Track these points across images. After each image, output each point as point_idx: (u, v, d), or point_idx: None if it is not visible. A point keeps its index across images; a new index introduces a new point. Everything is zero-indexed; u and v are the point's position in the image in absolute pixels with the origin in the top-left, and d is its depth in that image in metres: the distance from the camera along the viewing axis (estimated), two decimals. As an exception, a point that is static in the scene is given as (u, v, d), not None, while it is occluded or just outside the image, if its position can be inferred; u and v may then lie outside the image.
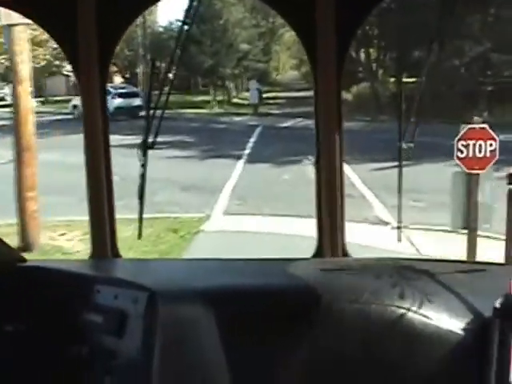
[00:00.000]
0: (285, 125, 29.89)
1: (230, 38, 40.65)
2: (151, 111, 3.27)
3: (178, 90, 36.43)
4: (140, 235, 3.48)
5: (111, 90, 32.59)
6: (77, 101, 33.42)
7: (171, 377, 2.46)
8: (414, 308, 2.41)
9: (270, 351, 2.45)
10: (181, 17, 4.03)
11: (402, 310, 2.41)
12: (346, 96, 35.39)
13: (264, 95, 41.93)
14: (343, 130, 3.26)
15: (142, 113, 32.44)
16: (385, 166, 16.34)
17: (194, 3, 3.20)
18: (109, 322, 2.68)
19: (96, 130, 3.32)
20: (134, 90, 36.14)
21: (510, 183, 7.19)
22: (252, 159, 20.01)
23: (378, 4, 3.32)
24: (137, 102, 33.18)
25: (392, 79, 33.14)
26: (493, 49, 27.86)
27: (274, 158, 19.72)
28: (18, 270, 3.03)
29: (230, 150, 21.90)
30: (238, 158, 20.14)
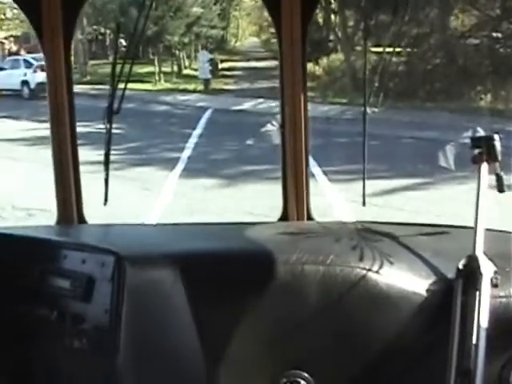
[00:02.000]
0: (242, 107, 23.92)
1: (178, 1, 34.53)
2: (116, 78, 3.30)
3: (124, 58, 32.48)
4: (106, 200, 3.44)
5: (33, 61, 28.03)
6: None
7: (139, 340, 2.56)
8: (376, 269, 2.52)
9: (236, 313, 2.51)
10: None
11: (365, 272, 2.51)
12: (315, 69, 29.99)
13: (220, 66, 37.17)
14: (307, 96, 3.36)
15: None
16: (392, 186, 10.82)
17: None
18: (77, 287, 2.70)
19: (61, 96, 3.40)
20: (62, 61, 29.98)
21: None
22: (192, 170, 14.01)
23: None
24: (66, 75, 27.25)
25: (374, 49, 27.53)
26: (500, 17, 22.29)
27: (225, 166, 14.01)
28: None
29: (165, 149, 16.11)
30: (173, 165, 14.24)
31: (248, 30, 58.85)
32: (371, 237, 2.82)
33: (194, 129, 18.75)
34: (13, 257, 2.93)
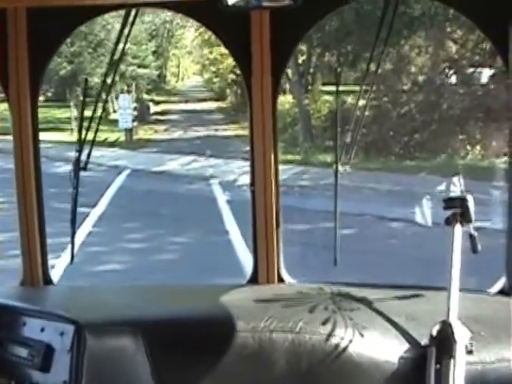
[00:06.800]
0: (167, 167, 18.76)
1: (100, 35, 29.67)
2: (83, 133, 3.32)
3: (52, 101, 31.36)
4: (72, 259, 3.39)
5: None
6: None
7: None
8: (347, 337, 2.51)
9: (201, 381, 2.53)
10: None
11: (335, 339, 2.50)
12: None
13: (153, 109, 33.69)
14: (278, 152, 3.28)
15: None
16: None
17: None
18: (35, 356, 2.70)
19: (27, 155, 3.35)
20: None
21: None
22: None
23: (314, 24, 3.34)
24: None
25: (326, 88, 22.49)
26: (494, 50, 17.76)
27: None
28: None
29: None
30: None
31: (191, 69, 56.72)
32: (343, 302, 2.79)
33: (94, 205, 13.49)
34: None
